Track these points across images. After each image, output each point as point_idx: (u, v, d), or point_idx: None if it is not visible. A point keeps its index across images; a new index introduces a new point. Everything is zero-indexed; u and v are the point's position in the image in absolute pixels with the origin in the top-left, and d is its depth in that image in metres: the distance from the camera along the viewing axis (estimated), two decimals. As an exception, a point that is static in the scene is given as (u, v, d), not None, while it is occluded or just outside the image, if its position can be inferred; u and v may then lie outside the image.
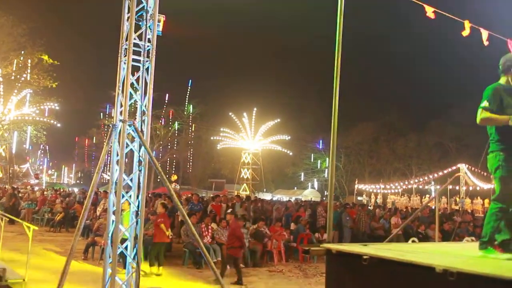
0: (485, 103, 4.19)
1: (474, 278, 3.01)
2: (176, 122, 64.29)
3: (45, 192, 25.24)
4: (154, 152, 63.02)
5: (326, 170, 60.36)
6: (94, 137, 72.13)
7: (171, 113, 66.18)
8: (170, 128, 64.27)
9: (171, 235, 11.55)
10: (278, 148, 49.87)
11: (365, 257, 3.67)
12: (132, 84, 5.35)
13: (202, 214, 14.97)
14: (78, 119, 71.68)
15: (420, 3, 5.34)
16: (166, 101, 65.67)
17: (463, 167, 37.99)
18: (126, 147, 5.18)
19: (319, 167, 60.80)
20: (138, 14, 5.45)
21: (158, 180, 66.61)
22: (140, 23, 5.47)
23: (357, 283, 3.81)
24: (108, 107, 66.97)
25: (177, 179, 64.10)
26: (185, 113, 68.68)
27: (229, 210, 14.99)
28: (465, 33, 6.03)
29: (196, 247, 11.60)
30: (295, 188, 59.91)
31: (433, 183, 44.77)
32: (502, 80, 4.40)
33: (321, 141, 59.52)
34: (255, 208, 17.60)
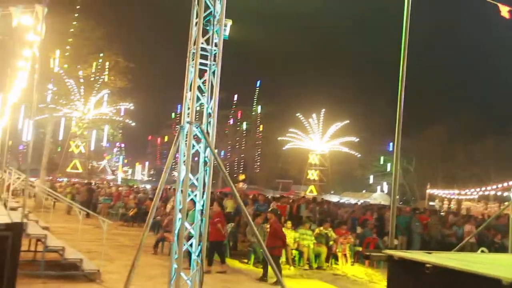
0: None
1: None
2: (244, 122, 65.34)
3: (119, 188, 26.51)
4: (222, 151, 64.49)
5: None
6: (166, 136, 74.94)
7: (239, 114, 67.38)
8: (238, 128, 65.41)
9: (226, 232, 11.76)
10: (346, 150, 49.14)
11: (427, 265, 3.57)
12: (199, 87, 5.53)
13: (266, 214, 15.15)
14: (152, 119, 74.64)
15: (495, 2, 5.08)
16: (234, 102, 67.05)
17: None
18: (193, 148, 5.36)
19: (388, 169, 59.19)
20: (205, 19, 5.61)
21: (227, 179, 68.05)
22: (208, 28, 5.63)
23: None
24: (179, 107, 69.26)
25: (244, 178, 65.15)
26: (253, 113, 69.61)
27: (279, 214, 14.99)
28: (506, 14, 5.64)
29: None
30: (364, 191, 58.76)
31: (513, 189, 42.13)
32: None
33: (390, 143, 57.83)
34: (321, 210, 17.47)
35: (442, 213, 28.21)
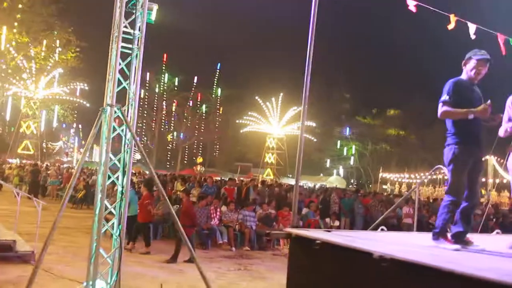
0: (444, 97, 4.26)
1: (405, 264, 3.16)
2: (204, 105, 64.99)
3: (70, 170, 26.11)
4: (181, 134, 64.12)
5: (352, 157, 60.08)
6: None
7: (199, 96, 66.91)
8: (198, 111, 65.02)
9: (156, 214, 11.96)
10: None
11: (317, 241, 3.86)
12: (123, 70, 5.61)
13: (215, 197, 15.38)
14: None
15: None
16: (194, 84, 66.46)
17: (491, 158, 37.18)
18: (114, 131, 5.46)
19: (345, 154, 60.48)
20: (131, 3, 5.68)
21: (185, 162, 67.79)
22: (133, 12, 5.70)
23: (310, 265, 4.01)
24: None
25: (203, 162, 65.09)
26: (213, 96, 69.33)
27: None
28: (451, 26, 6.01)
29: (203, 229, 11.97)
30: (321, 174, 59.88)
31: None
32: (463, 75, 4.46)
33: (348, 128, 59.07)
34: (269, 193, 17.83)
35: (391, 196, 29.24)
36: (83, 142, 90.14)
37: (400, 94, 57.19)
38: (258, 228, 12.82)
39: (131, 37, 5.70)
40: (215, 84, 72.11)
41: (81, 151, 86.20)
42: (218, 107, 67.92)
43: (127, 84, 5.61)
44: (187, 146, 66.49)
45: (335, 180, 54.26)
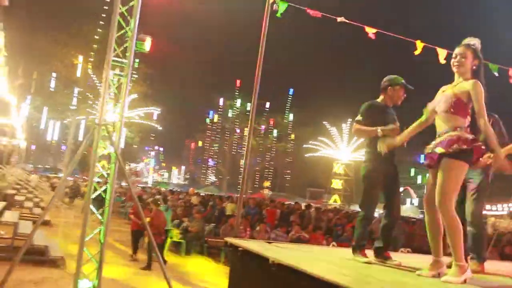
0: (358, 117, 4.51)
1: (287, 269, 3.50)
2: (275, 129, 66.06)
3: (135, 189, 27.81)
4: (253, 159, 65.46)
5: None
6: (200, 141, 76.63)
7: (272, 121, 68.12)
8: (269, 136, 66.19)
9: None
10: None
11: (239, 248, 4.24)
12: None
13: (257, 217, 15.93)
14: (189, 123, 76.58)
15: (361, 24, 5.58)
16: (267, 109, 67.90)
17: None
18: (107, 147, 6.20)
19: (419, 182, 58.31)
20: (125, 34, 6.47)
21: (255, 186, 68.80)
22: (126, 42, 6.48)
23: (239, 270, 4.39)
24: (211, 113, 70.78)
25: (274, 186, 65.85)
26: (285, 121, 70.20)
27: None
28: (417, 52, 6.07)
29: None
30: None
31: None
32: (380, 98, 4.66)
33: (421, 155, 56.94)
34: (308, 216, 17.96)
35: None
36: (163, 164, 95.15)
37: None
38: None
39: (124, 65, 6.45)
40: (287, 109, 73.05)
41: (160, 173, 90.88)
42: (289, 132, 68.60)
43: (117, 106, 6.32)
44: (258, 170, 67.58)
45: (408, 209, 52.39)
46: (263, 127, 65.18)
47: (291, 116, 70.14)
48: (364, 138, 4.57)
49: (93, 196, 6.27)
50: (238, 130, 64.43)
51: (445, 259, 3.87)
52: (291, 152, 67.19)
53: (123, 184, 42.14)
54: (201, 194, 27.52)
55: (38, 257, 9.69)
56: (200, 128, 73.12)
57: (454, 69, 3.91)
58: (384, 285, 3.18)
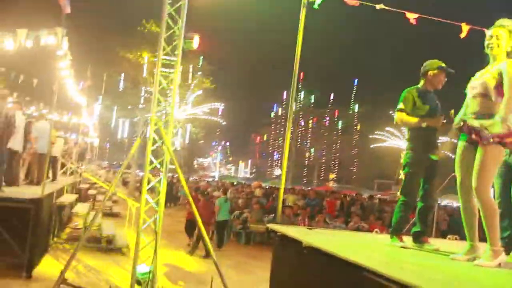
0: (400, 105, 4.47)
1: (318, 251, 3.65)
2: (340, 121, 65.23)
3: (200, 183, 28.74)
4: (318, 151, 65.20)
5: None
6: (265, 135, 77.34)
7: (336, 112, 67.30)
8: (334, 128, 65.51)
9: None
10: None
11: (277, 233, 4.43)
12: (164, 90, 6.76)
13: (317, 208, 16.04)
14: (255, 117, 77.51)
15: (402, 11, 5.47)
16: (331, 100, 67.18)
17: None
18: (155, 143, 6.60)
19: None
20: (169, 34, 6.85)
21: (321, 178, 68.43)
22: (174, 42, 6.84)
23: (282, 255, 4.58)
24: (275, 106, 71.25)
25: (339, 178, 65.18)
26: (350, 112, 69.07)
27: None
28: (463, 35, 5.85)
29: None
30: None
31: None
32: (420, 84, 4.60)
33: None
34: (370, 207, 17.76)
35: None
36: (230, 158, 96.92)
37: None
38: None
39: (173, 62, 6.80)
40: (352, 100, 71.85)
41: (227, 167, 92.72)
42: (355, 123, 67.42)
43: (169, 104, 6.71)
44: (323, 162, 67.13)
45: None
46: (327, 119, 64.64)
47: (356, 107, 68.84)
48: (407, 126, 4.57)
49: (148, 187, 6.67)
50: (302, 123, 64.29)
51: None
52: (357, 143, 66.05)
53: (193, 178, 43.80)
54: (265, 187, 27.93)
55: (106, 245, 10.43)
56: (265, 122, 73.74)
57: (488, 51, 3.84)
58: (408, 267, 3.23)
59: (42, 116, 11.46)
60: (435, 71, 4.51)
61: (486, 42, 3.84)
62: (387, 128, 51.79)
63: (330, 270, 3.54)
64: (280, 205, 5.29)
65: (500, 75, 3.71)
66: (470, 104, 3.87)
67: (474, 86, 3.86)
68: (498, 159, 3.75)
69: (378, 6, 5.57)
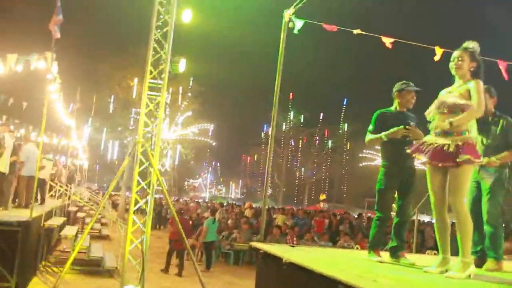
0: (370, 127, 4.73)
1: (297, 267, 3.79)
2: (329, 140, 65.58)
3: (191, 204, 28.76)
4: (308, 171, 65.39)
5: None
6: (256, 155, 77.27)
7: (326, 132, 67.70)
8: (324, 147, 65.81)
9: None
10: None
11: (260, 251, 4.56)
12: (152, 112, 6.92)
13: (305, 228, 16.17)
14: (245, 138, 77.65)
15: (378, 36, 5.73)
16: (320, 120, 67.55)
17: None
18: (142, 164, 6.74)
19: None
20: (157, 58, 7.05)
21: (312, 197, 68.47)
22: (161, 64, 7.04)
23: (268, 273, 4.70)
24: (265, 126, 71.39)
25: (330, 197, 65.24)
26: (340, 131, 69.48)
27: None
28: (437, 58, 6.11)
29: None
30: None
31: None
32: (393, 105, 4.83)
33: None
34: (358, 226, 17.90)
35: None
36: (221, 179, 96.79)
37: None
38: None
39: (160, 85, 7.00)
40: (341, 119, 72.33)
41: (218, 187, 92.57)
42: (345, 142, 67.78)
43: (155, 126, 6.87)
44: (314, 182, 67.25)
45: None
46: (317, 138, 64.97)
47: (345, 126, 69.30)
48: (376, 145, 4.77)
49: (135, 208, 6.79)
50: (292, 142, 64.61)
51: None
52: (347, 162, 66.34)
53: (184, 199, 43.64)
54: (256, 207, 28.00)
55: (95, 267, 10.44)
56: (255, 141, 73.78)
57: (453, 72, 4.07)
58: (381, 280, 3.38)
59: (29, 139, 11.55)
60: (402, 92, 4.72)
61: (450, 63, 4.09)
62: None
63: (308, 285, 3.69)
64: (263, 224, 5.43)
65: (468, 92, 3.95)
66: (438, 121, 4.04)
67: (442, 103, 4.06)
68: (470, 176, 4.00)
69: (355, 31, 5.83)
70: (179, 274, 11.04)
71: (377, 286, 3.15)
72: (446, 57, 6.03)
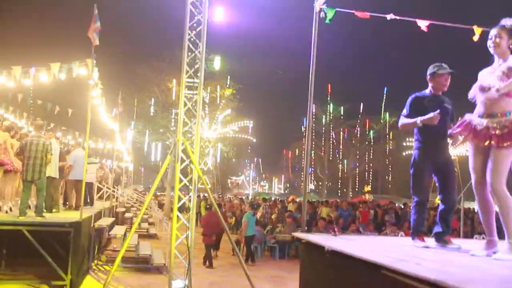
0: (404, 111, 4.63)
1: (341, 255, 3.80)
2: (371, 130, 64.56)
3: (234, 200, 29.06)
4: (351, 163, 64.62)
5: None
6: (297, 149, 77.07)
7: (367, 123, 66.68)
8: (366, 138, 64.87)
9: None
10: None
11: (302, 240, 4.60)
12: (190, 111, 7.06)
13: (350, 219, 16.05)
14: (285, 133, 77.73)
15: (412, 19, 5.58)
16: (361, 111, 66.57)
17: None
18: (183, 162, 6.89)
19: None
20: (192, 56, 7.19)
21: (356, 189, 67.67)
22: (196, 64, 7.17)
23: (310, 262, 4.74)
24: (304, 120, 71.07)
25: (375, 188, 64.29)
26: (382, 121, 68.25)
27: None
28: (476, 38, 5.89)
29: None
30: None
31: None
32: (427, 89, 4.66)
33: None
34: (403, 215, 17.56)
35: None
36: (264, 176, 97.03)
37: None
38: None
39: (196, 84, 7.12)
40: (382, 108, 71.01)
41: (261, 184, 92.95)
42: (387, 132, 66.53)
43: (194, 123, 7.00)
44: (357, 173, 66.43)
45: None
46: (358, 129, 64.14)
47: (387, 116, 67.98)
48: (409, 129, 4.68)
49: (179, 204, 6.95)
50: (333, 135, 64.06)
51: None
52: (390, 152, 65.14)
53: (228, 196, 44.16)
54: (299, 201, 27.94)
55: (144, 265, 10.75)
56: (296, 136, 73.58)
57: (491, 51, 3.95)
58: (425, 263, 3.34)
59: (79, 145, 12.01)
60: (435, 75, 4.59)
61: (488, 42, 3.97)
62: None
63: (350, 271, 3.69)
64: (304, 214, 5.45)
65: (510, 70, 3.82)
66: (485, 104, 3.91)
67: (484, 86, 3.95)
68: (510, 158, 3.86)
69: (388, 17, 5.73)
70: (210, 266, 11.43)
71: (420, 269, 3.12)
72: (486, 36, 5.84)
